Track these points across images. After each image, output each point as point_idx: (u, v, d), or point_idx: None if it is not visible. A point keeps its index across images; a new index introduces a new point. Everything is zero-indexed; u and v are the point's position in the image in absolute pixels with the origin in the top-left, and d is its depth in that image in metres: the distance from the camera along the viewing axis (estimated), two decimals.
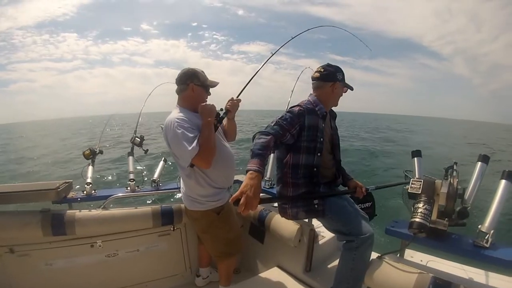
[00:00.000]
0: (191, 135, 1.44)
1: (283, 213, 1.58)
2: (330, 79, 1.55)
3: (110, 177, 7.47)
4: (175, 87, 1.67)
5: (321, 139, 1.49)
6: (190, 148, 1.40)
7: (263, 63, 1.96)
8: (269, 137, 1.30)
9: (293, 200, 1.51)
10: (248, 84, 1.80)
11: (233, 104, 1.69)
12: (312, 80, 1.62)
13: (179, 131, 1.44)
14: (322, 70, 1.56)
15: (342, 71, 1.58)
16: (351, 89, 1.65)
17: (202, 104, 1.54)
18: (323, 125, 1.51)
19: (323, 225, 1.59)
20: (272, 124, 1.40)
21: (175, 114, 1.54)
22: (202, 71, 1.67)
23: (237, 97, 1.73)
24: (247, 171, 1.15)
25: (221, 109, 1.66)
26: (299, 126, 1.44)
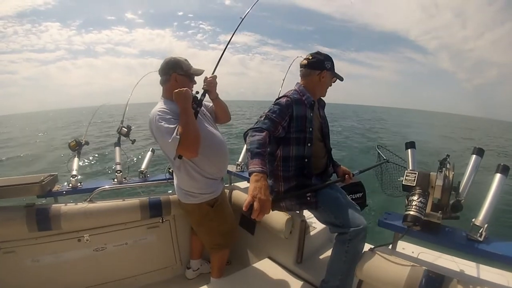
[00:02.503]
0: (172, 126, 1.39)
1: (276, 206, 1.54)
2: (318, 67, 1.51)
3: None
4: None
5: (310, 129, 1.46)
6: (170, 140, 1.36)
7: (235, 28, 1.87)
8: (263, 133, 1.25)
9: (292, 195, 1.47)
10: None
11: (209, 82, 1.61)
12: (300, 67, 1.58)
13: (161, 124, 1.39)
14: (311, 57, 1.53)
15: (331, 59, 1.54)
16: (341, 79, 1.61)
17: (175, 90, 1.44)
18: (311, 114, 1.48)
19: (316, 217, 1.56)
20: (262, 119, 1.35)
21: (158, 106, 1.48)
22: (186, 60, 1.60)
23: (212, 74, 1.64)
24: (250, 174, 1.10)
25: (197, 92, 1.59)
26: (288, 117, 1.40)
